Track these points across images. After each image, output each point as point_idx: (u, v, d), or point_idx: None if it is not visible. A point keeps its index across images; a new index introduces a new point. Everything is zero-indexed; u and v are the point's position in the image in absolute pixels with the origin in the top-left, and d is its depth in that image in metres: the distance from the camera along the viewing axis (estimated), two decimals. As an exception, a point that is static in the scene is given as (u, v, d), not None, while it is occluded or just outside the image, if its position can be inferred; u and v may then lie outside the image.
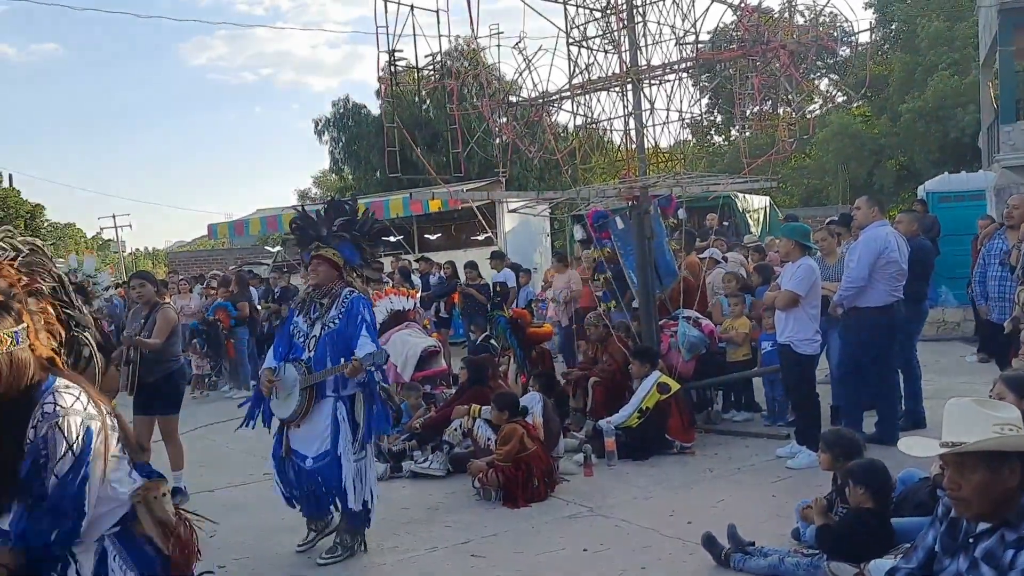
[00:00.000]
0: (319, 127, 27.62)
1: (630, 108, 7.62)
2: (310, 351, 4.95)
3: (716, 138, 32.33)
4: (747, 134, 12.69)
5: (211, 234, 20.79)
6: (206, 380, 12.27)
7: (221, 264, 23.69)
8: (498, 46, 7.83)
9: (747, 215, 15.97)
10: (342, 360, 4.79)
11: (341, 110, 27.15)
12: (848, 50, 25.53)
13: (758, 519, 5.04)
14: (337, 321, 4.92)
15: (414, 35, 6.71)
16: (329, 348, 4.89)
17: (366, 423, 4.91)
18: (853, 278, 6.39)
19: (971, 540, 2.52)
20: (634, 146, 7.79)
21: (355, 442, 4.90)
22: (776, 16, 7.71)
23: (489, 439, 6.47)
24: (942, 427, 2.60)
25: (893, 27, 31.00)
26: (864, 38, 24.61)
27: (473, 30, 7.42)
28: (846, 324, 6.63)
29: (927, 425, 6.72)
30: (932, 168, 21.92)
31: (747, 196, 15.82)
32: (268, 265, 18.75)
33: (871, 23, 27.72)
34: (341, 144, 27.39)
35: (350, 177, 28.77)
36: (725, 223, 14.81)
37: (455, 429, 6.81)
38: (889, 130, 27.34)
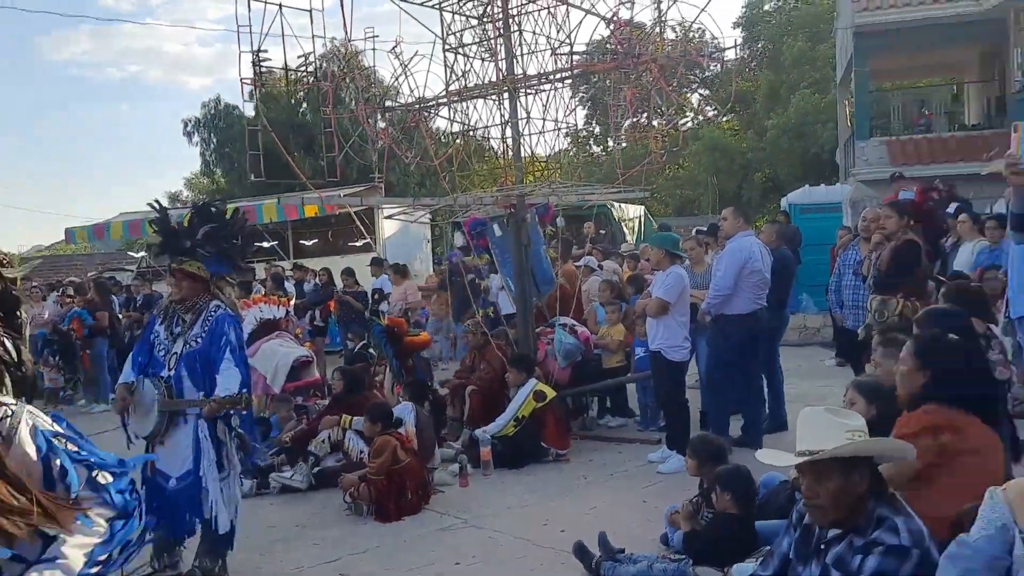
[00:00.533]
0: (188, 128, 26.57)
1: (507, 116, 7.63)
2: (170, 369, 4.64)
3: (595, 148, 33.06)
4: (622, 145, 12.96)
5: (69, 238, 19.46)
6: (59, 394, 11.46)
7: (80, 270, 22.30)
8: (373, 50, 7.68)
9: (623, 224, 16.36)
10: (201, 395, 4.54)
11: (212, 111, 26.20)
12: (718, 66, 26.60)
13: (630, 525, 5.10)
14: (200, 340, 4.62)
15: (282, 35, 6.46)
16: (190, 369, 4.61)
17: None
18: (720, 287, 6.58)
19: (823, 546, 2.58)
20: (511, 154, 7.80)
21: (218, 461, 4.65)
22: (648, 31, 7.88)
23: (362, 452, 6.30)
24: (796, 435, 2.66)
25: (760, 46, 32.54)
26: (730, 55, 25.68)
27: (347, 32, 7.26)
28: (713, 331, 6.82)
29: (788, 428, 6.96)
30: (795, 181, 23.03)
31: (623, 205, 16.20)
32: (132, 272, 17.78)
33: (736, 41, 29.02)
34: (212, 146, 26.44)
35: (223, 180, 27.75)
36: (602, 232, 15.11)
37: (322, 441, 6.60)
38: (756, 145, 28.66)
